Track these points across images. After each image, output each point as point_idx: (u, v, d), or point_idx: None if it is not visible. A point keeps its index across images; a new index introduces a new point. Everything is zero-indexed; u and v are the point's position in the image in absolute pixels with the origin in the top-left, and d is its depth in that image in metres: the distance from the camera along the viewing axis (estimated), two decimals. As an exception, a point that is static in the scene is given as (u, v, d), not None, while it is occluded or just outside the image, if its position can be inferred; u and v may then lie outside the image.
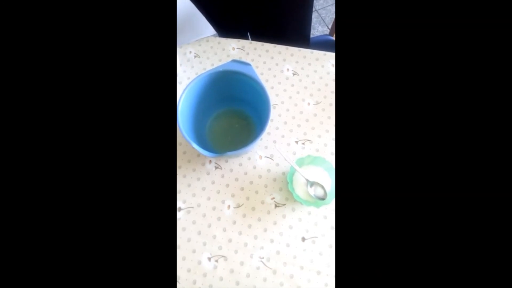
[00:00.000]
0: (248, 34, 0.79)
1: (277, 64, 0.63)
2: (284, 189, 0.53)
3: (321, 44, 0.88)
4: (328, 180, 0.50)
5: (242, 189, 0.53)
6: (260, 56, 0.63)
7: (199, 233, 0.51)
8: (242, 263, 0.49)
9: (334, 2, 1.46)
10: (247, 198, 0.53)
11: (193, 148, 0.51)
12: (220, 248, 0.50)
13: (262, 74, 0.62)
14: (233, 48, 0.64)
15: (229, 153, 0.45)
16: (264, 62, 0.63)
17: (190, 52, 0.64)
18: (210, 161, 0.55)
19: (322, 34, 1.17)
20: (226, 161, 0.55)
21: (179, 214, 0.52)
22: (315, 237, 0.50)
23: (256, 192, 0.53)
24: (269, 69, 0.62)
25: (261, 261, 0.49)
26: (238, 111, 0.57)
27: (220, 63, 0.58)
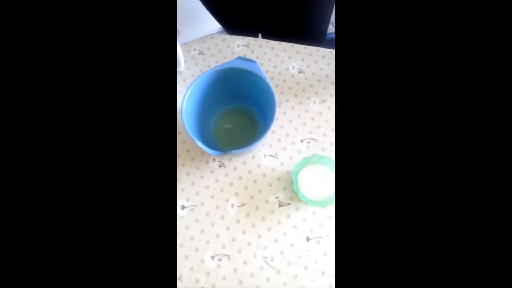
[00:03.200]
0: (260, 35, 0.77)
1: (282, 62, 0.62)
2: (288, 188, 0.53)
3: (327, 42, 0.87)
4: (333, 179, 0.50)
5: (246, 187, 0.53)
6: (265, 53, 0.63)
7: (202, 231, 0.50)
8: (245, 262, 0.48)
9: None
10: (251, 197, 0.52)
11: (197, 146, 0.51)
12: (223, 247, 0.49)
13: (267, 71, 0.61)
14: (238, 45, 0.64)
15: (233, 151, 0.45)
16: (269, 60, 0.62)
17: (195, 49, 0.64)
18: (214, 160, 0.55)
19: (329, 32, 1.16)
20: (230, 160, 0.55)
21: (182, 212, 0.51)
22: (320, 237, 0.50)
23: (260, 191, 0.52)
24: (274, 66, 0.62)
25: (264, 260, 0.48)
26: (242, 109, 0.57)
27: (225, 61, 0.58)
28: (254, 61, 0.49)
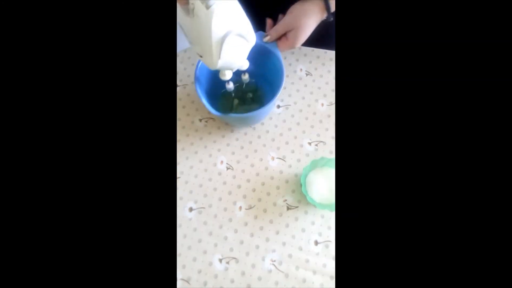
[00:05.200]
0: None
1: (290, 64, 0.62)
2: (296, 191, 0.52)
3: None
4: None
5: (254, 190, 0.53)
6: (273, 56, 0.63)
7: (210, 234, 0.50)
8: (253, 266, 0.48)
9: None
10: (259, 200, 0.52)
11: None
12: (231, 249, 0.49)
13: (275, 74, 0.61)
14: (246, 48, 0.64)
15: (232, 114, 0.48)
16: (277, 62, 0.62)
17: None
18: (222, 162, 0.55)
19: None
20: (238, 162, 0.55)
21: (190, 214, 0.51)
22: (329, 241, 0.49)
23: (268, 194, 0.52)
24: (282, 69, 0.61)
25: (273, 264, 0.48)
26: (253, 85, 0.57)
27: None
28: (259, 32, 0.51)
